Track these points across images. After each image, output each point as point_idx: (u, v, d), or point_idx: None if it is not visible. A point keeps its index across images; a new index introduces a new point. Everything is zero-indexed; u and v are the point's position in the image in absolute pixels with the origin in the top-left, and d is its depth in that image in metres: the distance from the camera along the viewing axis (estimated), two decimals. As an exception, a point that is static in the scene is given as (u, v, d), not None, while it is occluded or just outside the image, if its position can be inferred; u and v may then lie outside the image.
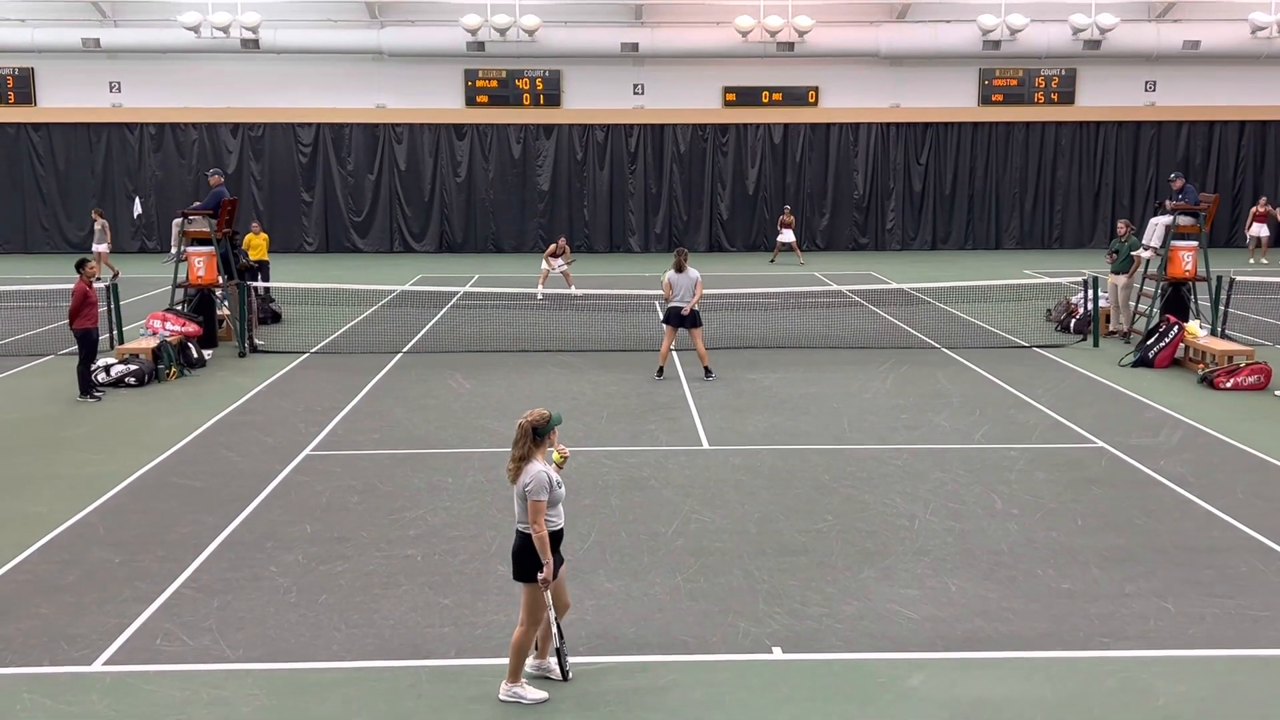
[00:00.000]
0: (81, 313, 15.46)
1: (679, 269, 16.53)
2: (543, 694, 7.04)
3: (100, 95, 35.21)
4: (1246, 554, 9.47)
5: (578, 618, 8.18)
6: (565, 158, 35.85)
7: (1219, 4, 34.14)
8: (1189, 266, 19.18)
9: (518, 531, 7.08)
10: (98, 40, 33.55)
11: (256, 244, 23.35)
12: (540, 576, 6.90)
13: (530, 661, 7.29)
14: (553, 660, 7.34)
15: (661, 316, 16.84)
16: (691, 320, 16.38)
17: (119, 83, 35.21)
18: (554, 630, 7.21)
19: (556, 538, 7.08)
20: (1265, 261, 31.25)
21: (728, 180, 36.17)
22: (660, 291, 17.21)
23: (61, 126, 35.19)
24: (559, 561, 7.11)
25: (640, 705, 6.98)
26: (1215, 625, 8.10)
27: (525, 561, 7.00)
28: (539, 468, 6.98)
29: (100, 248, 29.39)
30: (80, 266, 15.74)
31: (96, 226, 29.66)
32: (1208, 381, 16.03)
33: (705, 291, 17.11)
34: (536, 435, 7.03)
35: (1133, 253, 19.93)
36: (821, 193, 36.27)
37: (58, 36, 33.75)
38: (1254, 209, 32.96)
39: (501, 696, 7.05)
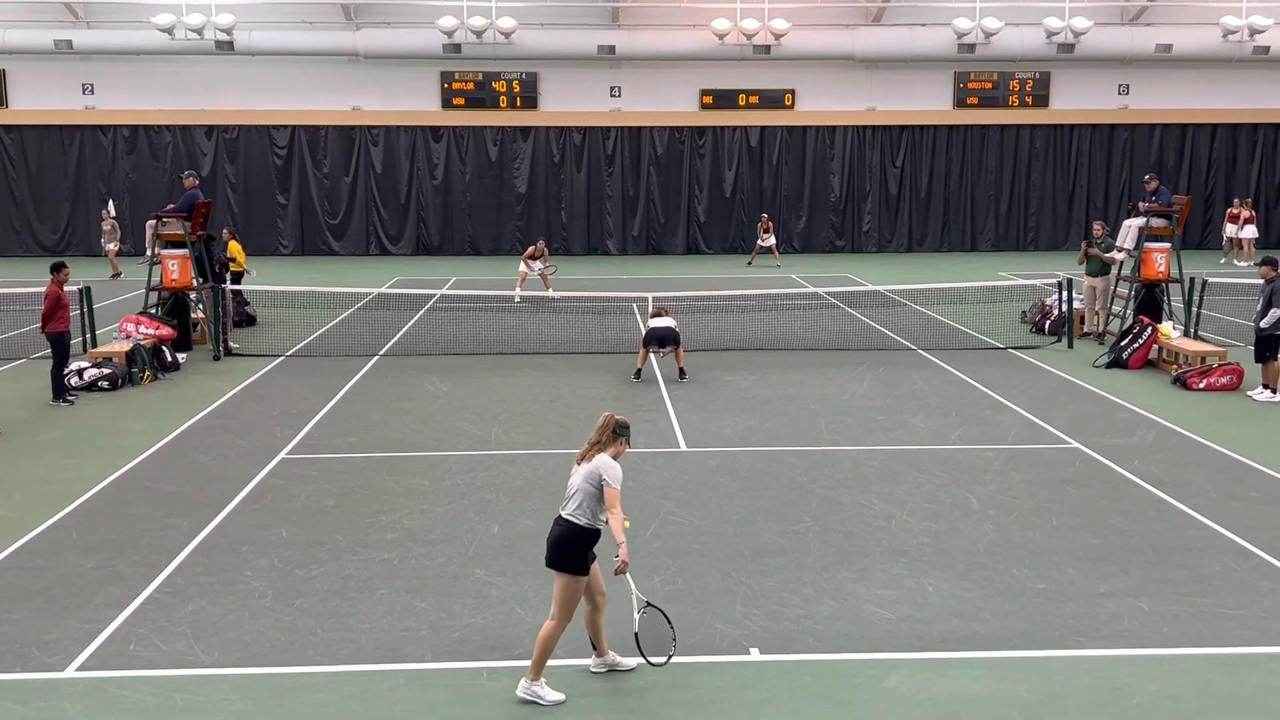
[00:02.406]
0: (54, 316, 15.34)
1: (657, 315, 16.86)
2: (560, 695, 7.02)
3: (73, 97, 34.93)
4: (1220, 553, 9.55)
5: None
6: (542, 160, 35.81)
7: (1191, 8, 34.42)
8: (1162, 268, 19.33)
9: (563, 518, 7.12)
10: (70, 42, 33.28)
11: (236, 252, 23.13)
12: (618, 567, 6.97)
13: (593, 660, 7.37)
14: (613, 654, 7.39)
15: (642, 338, 16.93)
16: (673, 340, 16.47)
17: (91, 84, 34.94)
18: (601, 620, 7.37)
19: (595, 536, 7.14)
20: (1242, 264, 31.50)
21: (705, 183, 36.22)
22: (639, 295, 17.28)
23: (33, 128, 34.89)
24: (592, 559, 7.18)
25: (618, 708, 6.97)
26: (1189, 624, 8.16)
27: (566, 551, 7.05)
28: (614, 462, 7.17)
29: (111, 246, 29.65)
30: (56, 269, 15.62)
31: (105, 226, 29.97)
32: (1181, 382, 16.15)
33: (682, 294, 17.18)
34: (617, 432, 7.25)
35: (1105, 253, 20.05)
36: (798, 195, 36.37)
37: (29, 38, 33.45)
38: (1229, 210, 33.28)
39: (520, 694, 7.04)
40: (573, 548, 7.04)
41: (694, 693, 7.16)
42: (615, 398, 15.54)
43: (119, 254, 30.53)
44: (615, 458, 7.22)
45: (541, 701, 6.97)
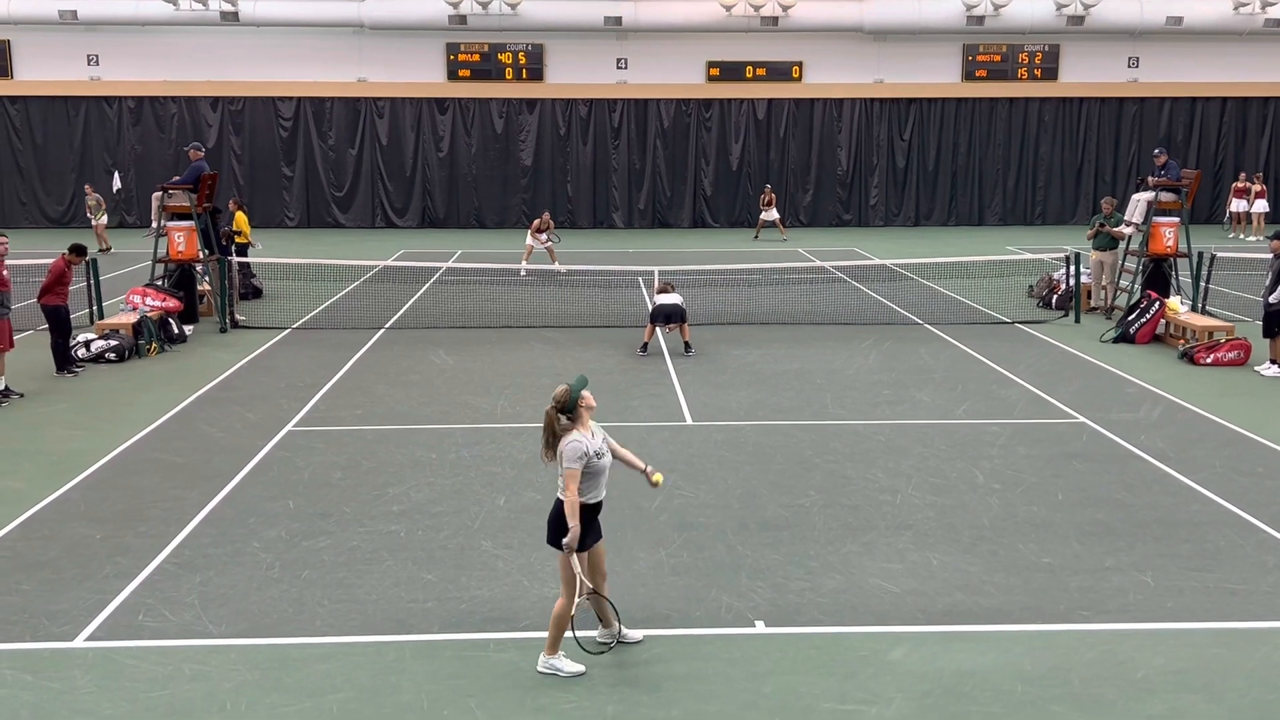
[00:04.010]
0: (52, 290, 15.36)
1: (663, 291, 16.75)
2: (579, 667, 7.05)
3: (78, 68, 34.84)
4: (1225, 528, 9.55)
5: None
6: (548, 133, 35.68)
7: (1202, -20, 34.19)
8: (1170, 242, 19.26)
9: (557, 498, 7.09)
10: (74, 12, 33.19)
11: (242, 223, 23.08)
12: (565, 541, 6.87)
13: (598, 632, 7.42)
14: (619, 626, 7.43)
15: (649, 314, 16.89)
16: (679, 317, 16.44)
17: (97, 55, 34.84)
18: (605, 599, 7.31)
19: (595, 510, 7.08)
20: (1251, 239, 31.39)
21: (711, 156, 36.08)
22: (645, 269, 17.24)
23: (39, 99, 34.82)
24: (597, 535, 7.12)
25: (623, 680, 7.00)
26: (1193, 598, 8.17)
27: (556, 528, 7.02)
28: (575, 437, 6.94)
29: (103, 220, 29.49)
30: (75, 251, 15.64)
31: (90, 202, 29.71)
32: (1188, 357, 16.12)
33: (688, 267, 17.13)
34: (566, 413, 6.98)
35: (1113, 229, 19.97)
36: (805, 169, 36.23)
37: (34, 7, 33.36)
38: (1235, 185, 33.16)
39: (540, 668, 7.08)
40: (562, 524, 7.00)
41: (699, 664, 7.18)
42: (621, 371, 15.54)
43: (106, 226, 30.19)
44: (584, 426, 7.02)
45: (561, 674, 7.01)
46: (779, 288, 22.86)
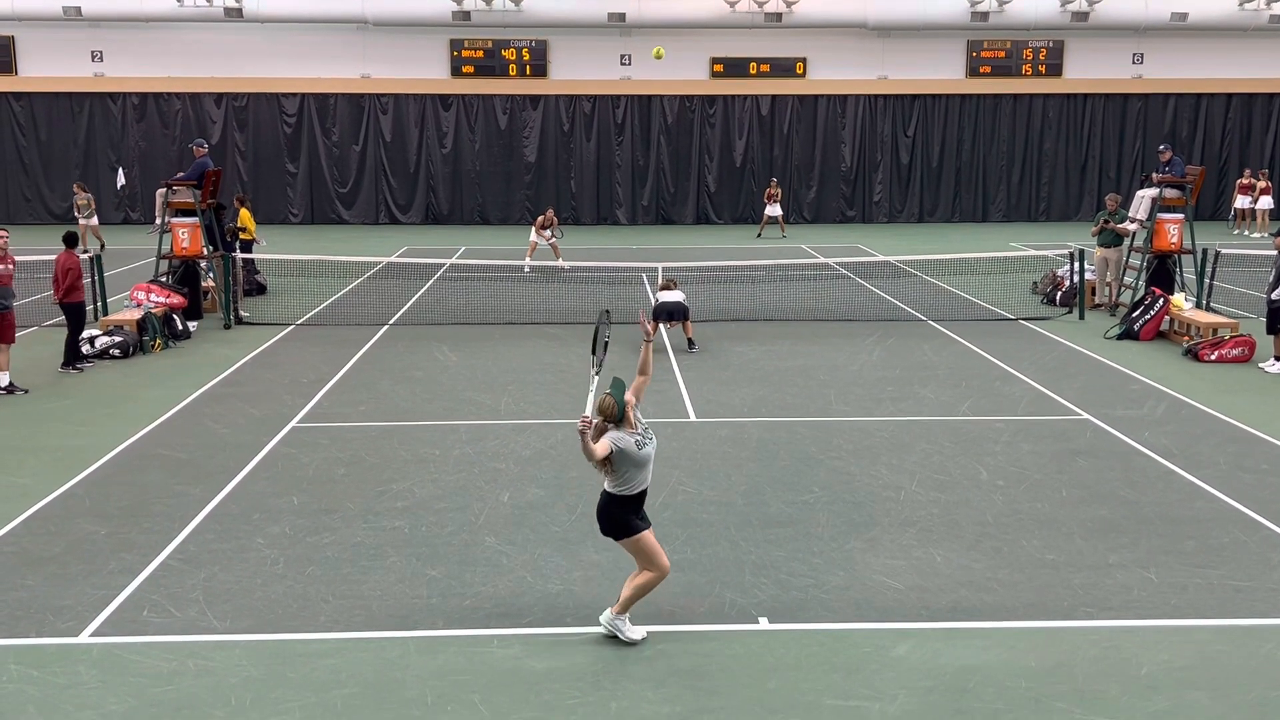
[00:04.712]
0: (77, 287, 15.45)
1: (666, 288, 16.69)
2: (642, 633, 7.28)
3: (82, 64, 34.86)
4: (1229, 525, 9.54)
5: (564, 589, 8.23)
6: (552, 129, 35.67)
7: (1207, -24, 34.10)
8: (1175, 239, 19.23)
9: (602, 490, 7.33)
10: (79, 8, 33.19)
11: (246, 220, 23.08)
12: (582, 420, 7.03)
13: (605, 614, 7.52)
14: (625, 620, 7.51)
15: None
16: (682, 315, 16.43)
17: (100, 52, 34.85)
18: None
19: (641, 499, 7.31)
20: (1255, 236, 31.35)
21: (715, 152, 36.06)
22: (649, 266, 17.23)
23: (43, 96, 34.84)
24: (647, 523, 7.38)
25: (626, 676, 7.01)
26: (1197, 595, 8.17)
27: (604, 517, 7.30)
28: (618, 434, 7.20)
29: (93, 221, 29.20)
30: (74, 242, 15.70)
31: (80, 201, 29.32)
32: (1192, 354, 16.10)
33: (691, 264, 17.11)
34: (619, 422, 7.24)
35: (1117, 225, 19.95)
36: (809, 165, 36.20)
37: (38, 4, 33.35)
38: (1240, 181, 33.12)
39: (601, 620, 7.35)
40: (607, 513, 7.27)
41: (703, 661, 7.19)
42: (624, 368, 15.48)
43: (99, 225, 29.85)
44: (629, 425, 7.26)
45: (620, 634, 7.30)
46: (782, 284, 22.86)
